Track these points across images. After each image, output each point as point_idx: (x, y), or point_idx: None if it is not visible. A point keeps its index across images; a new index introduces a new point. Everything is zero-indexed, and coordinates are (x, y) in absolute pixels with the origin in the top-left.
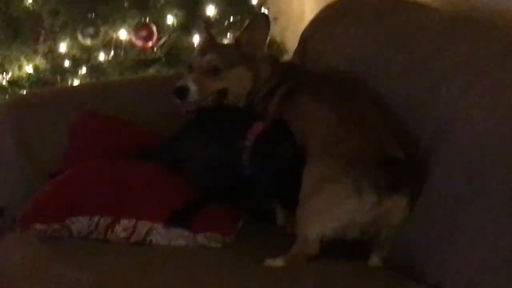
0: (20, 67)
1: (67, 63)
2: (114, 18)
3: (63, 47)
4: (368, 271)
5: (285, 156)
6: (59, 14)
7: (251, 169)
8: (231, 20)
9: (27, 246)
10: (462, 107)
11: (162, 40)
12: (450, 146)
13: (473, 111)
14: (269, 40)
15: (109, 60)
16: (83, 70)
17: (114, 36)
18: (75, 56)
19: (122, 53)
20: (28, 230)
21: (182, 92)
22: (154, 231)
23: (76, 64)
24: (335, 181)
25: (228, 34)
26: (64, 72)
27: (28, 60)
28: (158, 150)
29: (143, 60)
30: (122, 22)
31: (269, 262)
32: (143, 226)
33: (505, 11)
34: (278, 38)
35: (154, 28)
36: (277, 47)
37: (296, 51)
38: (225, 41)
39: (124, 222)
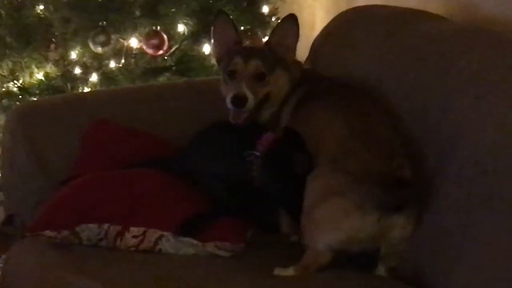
0: (31, 74)
1: (78, 71)
2: (125, 26)
3: (74, 55)
4: (377, 282)
5: (302, 170)
6: (70, 22)
7: (261, 180)
8: (242, 28)
9: (37, 254)
10: (474, 119)
11: (173, 49)
12: (461, 158)
13: (484, 123)
14: None
15: (120, 68)
16: (94, 77)
17: (125, 44)
18: (86, 63)
19: (133, 61)
20: (38, 237)
21: (241, 101)
22: (164, 240)
23: (87, 72)
24: (341, 195)
25: None
26: (75, 80)
27: (39, 67)
28: (170, 161)
29: (154, 68)
30: (133, 30)
31: (279, 271)
32: (152, 235)
33: None
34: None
35: (165, 36)
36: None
37: (306, 60)
38: None
39: (134, 230)
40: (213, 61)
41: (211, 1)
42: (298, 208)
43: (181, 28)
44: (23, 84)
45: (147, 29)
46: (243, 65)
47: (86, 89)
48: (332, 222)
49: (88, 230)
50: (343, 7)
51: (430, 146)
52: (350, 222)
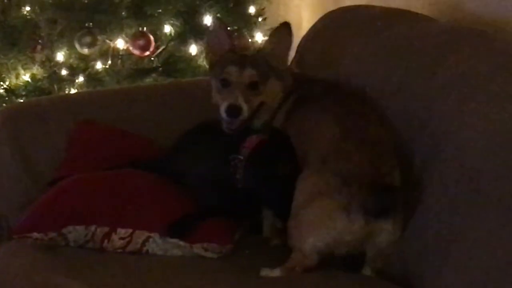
0: (17, 76)
1: (64, 72)
2: (112, 27)
3: (60, 56)
4: (364, 282)
5: (284, 171)
6: (56, 23)
7: (245, 183)
8: (228, 29)
9: (24, 256)
10: (459, 120)
11: (160, 49)
12: (446, 158)
13: (469, 123)
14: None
15: (106, 69)
16: (80, 79)
17: (112, 45)
18: (72, 65)
19: (119, 62)
20: (25, 239)
21: (236, 111)
22: (151, 241)
23: (73, 73)
24: (328, 196)
25: None
26: (61, 81)
27: (26, 69)
28: (156, 162)
29: (141, 69)
30: (120, 31)
31: (266, 272)
32: (139, 236)
33: (502, 22)
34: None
35: (152, 37)
36: None
37: (293, 60)
38: None
39: (121, 232)
40: (200, 61)
41: (197, 2)
42: (283, 210)
43: (167, 29)
44: (9, 85)
45: (133, 30)
46: (238, 74)
47: (73, 91)
48: (318, 224)
49: (75, 232)
50: (330, 7)
51: (415, 147)
52: (335, 224)
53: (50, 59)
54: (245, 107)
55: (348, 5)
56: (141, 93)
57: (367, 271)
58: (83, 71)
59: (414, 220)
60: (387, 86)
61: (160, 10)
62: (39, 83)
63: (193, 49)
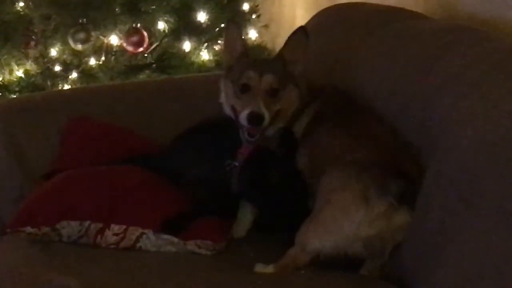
0: (10, 72)
1: (58, 68)
2: (105, 24)
3: (54, 52)
4: (357, 280)
5: (273, 182)
6: (50, 19)
7: (239, 189)
8: (222, 26)
9: (17, 251)
10: (454, 118)
11: (153, 46)
12: (441, 158)
13: (464, 122)
14: (260, 46)
15: (100, 65)
16: (74, 75)
17: (105, 41)
18: (66, 61)
19: (113, 58)
20: (19, 233)
21: (258, 119)
22: (144, 237)
23: (67, 69)
24: (344, 188)
25: (219, 40)
26: (54, 77)
27: (19, 65)
28: (152, 160)
29: (134, 65)
30: (113, 27)
31: (260, 267)
32: (133, 232)
33: (495, 19)
34: (269, 45)
35: (145, 34)
36: (268, 54)
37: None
38: (217, 47)
39: (115, 228)
40: (193, 58)
41: None
42: (276, 216)
43: (161, 25)
44: (2, 81)
45: (127, 27)
46: (257, 80)
47: (66, 87)
48: (332, 223)
49: (69, 227)
50: (324, 5)
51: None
52: (352, 217)
53: (43, 55)
54: (267, 114)
55: (342, 2)
56: (134, 90)
57: (363, 271)
58: (77, 67)
59: None
60: (383, 85)
61: (154, 7)
62: (33, 79)
63: (187, 45)
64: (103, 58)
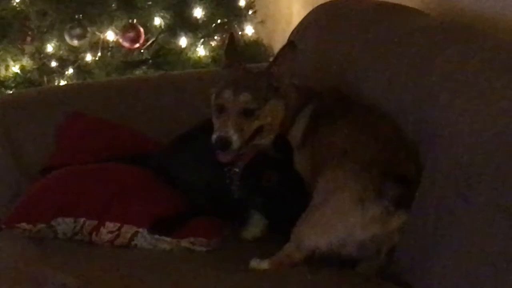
0: (7, 67)
1: (54, 64)
2: (102, 19)
3: (50, 48)
4: (353, 277)
5: (269, 184)
6: (46, 15)
7: (240, 194)
8: (218, 22)
9: (13, 248)
10: (450, 115)
11: (149, 42)
12: (435, 155)
13: (460, 118)
14: (256, 42)
15: (96, 61)
16: (70, 70)
17: (101, 37)
18: (62, 56)
19: (109, 54)
20: (14, 229)
21: (225, 144)
22: (139, 236)
23: (63, 65)
24: (343, 189)
25: (215, 36)
26: (51, 73)
27: (15, 60)
28: (151, 161)
29: (130, 61)
30: (110, 23)
31: (255, 263)
32: (128, 230)
33: (492, 16)
34: (265, 41)
35: (142, 30)
36: (264, 50)
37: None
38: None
39: (109, 225)
40: (190, 54)
41: None
42: (279, 220)
43: (157, 21)
44: None
45: (123, 22)
46: (232, 100)
47: (62, 82)
48: (327, 223)
49: (64, 224)
50: (320, 1)
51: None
52: (347, 219)
53: (39, 50)
54: (235, 138)
55: None
56: (130, 86)
57: (361, 268)
58: (73, 63)
59: None
60: (379, 82)
61: (150, 3)
62: (29, 74)
63: (183, 41)
64: (99, 54)
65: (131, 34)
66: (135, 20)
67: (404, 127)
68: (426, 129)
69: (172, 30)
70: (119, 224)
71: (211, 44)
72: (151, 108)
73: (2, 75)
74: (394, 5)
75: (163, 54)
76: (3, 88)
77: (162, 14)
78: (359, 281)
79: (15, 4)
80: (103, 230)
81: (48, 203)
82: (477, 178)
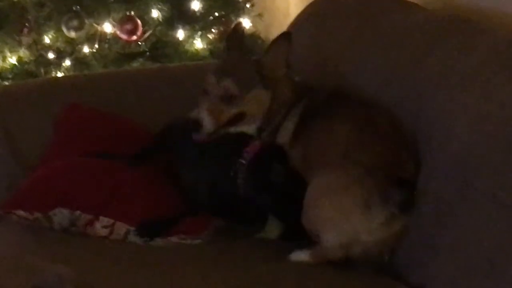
0: (4, 59)
1: (51, 55)
2: (99, 11)
3: (47, 39)
4: (350, 270)
5: (277, 179)
6: (44, 6)
7: (246, 189)
8: (216, 15)
9: (9, 238)
10: (448, 110)
11: (147, 34)
12: (435, 149)
13: (458, 113)
14: (253, 35)
15: (93, 53)
16: (67, 62)
17: (99, 29)
18: (59, 48)
19: (106, 46)
20: (10, 216)
21: (196, 126)
22: (131, 234)
23: (60, 56)
24: (348, 192)
25: (213, 29)
26: (48, 64)
27: (12, 52)
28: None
29: (128, 53)
30: (107, 15)
31: (297, 255)
32: (120, 228)
33: (490, 10)
34: (262, 34)
35: (139, 22)
36: (261, 43)
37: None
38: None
39: (104, 220)
40: (187, 46)
41: None
42: (285, 215)
43: (155, 13)
44: None
45: (121, 14)
46: (214, 85)
47: (59, 74)
48: (335, 221)
49: (61, 215)
50: None
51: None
52: (352, 222)
53: (37, 42)
54: (207, 120)
55: None
56: (128, 78)
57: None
58: (70, 54)
59: None
60: (376, 76)
61: None
62: (26, 66)
63: (181, 34)
64: (96, 46)
65: (129, 26)
66: (132, 12)
67: (404, 122)
68: (424, 124)
69: (169, 23)
70: (112, 220)
71: (209, 37)
72: (148, 100)
73: None
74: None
75: (161, 47)
76: (0, 79)
77: (159, 6)
78: (355, 274)
79: None
80: (98, 225)
81: (47, 193)
82: (474, 173)
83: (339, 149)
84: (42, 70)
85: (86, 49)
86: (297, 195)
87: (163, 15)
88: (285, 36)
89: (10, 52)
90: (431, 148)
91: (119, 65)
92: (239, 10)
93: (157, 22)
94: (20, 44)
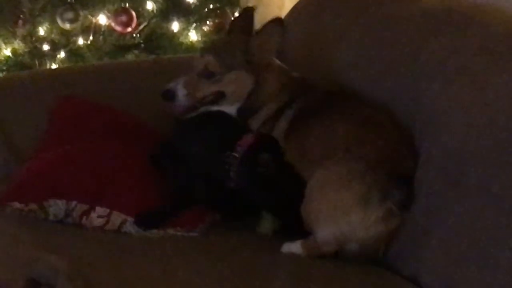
0: None
1: (46, 47)
2: (94, 3)
3: (42, 31)
4: (344, 263)
5: (264, 169)
6: None
7: (238, 182)
8: (211, 7)
9: (4, 230)
10: (442, 103)
11: (142, 26)
12: (429, 142)
13: (452, 106)
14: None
15: (88, 45)
16: (62, 54)
17: (94, 21)
18: (54, 40)
19: (101, 38)
20: (6, 207)
21: (169, 95)
22: (128, 224)
23: (55, 48)
24: (347, 188)
25: (208, 21)
26: (42, 56)
27: (7, 43)
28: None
29: (122, 45)
30: (102, 7)
31: (288, 247)
32: (116, 217)
33: (487, 3)
34: (257, 27)
35: (134, 14)
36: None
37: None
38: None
39: (100, 210)
40: (182, 39)
41: None
42: (277, 209)
43: (149, 5)
44: None
45: (115, 6)
46: (198, 60)
47: (54, 66)
48: (333, 216)
49: (56, 206)
50: None
51: None
52: (349, 218)
53: (31, 34)
54: (181, 92)
55: None
56: (122, 70)
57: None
58: (65, 46)
59: None
60: (371, 70)
61: None
62: (20, 57)
63: (175, 26)
64: (91, 38)
65: (123, 18)
66: (127, 4)
67: (400, 115)
68: (419, 118)
69: (164, 15)
70: (108, 210)
71: (203, 29)
72: (143, 92)
73: None
74: None
75: (155, 39)
76: None
77: None
78: (349, 266)
79: None
80: (93, 215)
81: (42, 184)
82: (468, 164)
83: (341, 143)
84: (37, 62)
85: (80, 41)
86: (289, 188)
87: (158, 7)
88: (275, 21)
89: (5, 43)
90: (425, 140)
91: (114, 57)
92: (234, 3)
93: (152, 14)
94: (14, 36)
